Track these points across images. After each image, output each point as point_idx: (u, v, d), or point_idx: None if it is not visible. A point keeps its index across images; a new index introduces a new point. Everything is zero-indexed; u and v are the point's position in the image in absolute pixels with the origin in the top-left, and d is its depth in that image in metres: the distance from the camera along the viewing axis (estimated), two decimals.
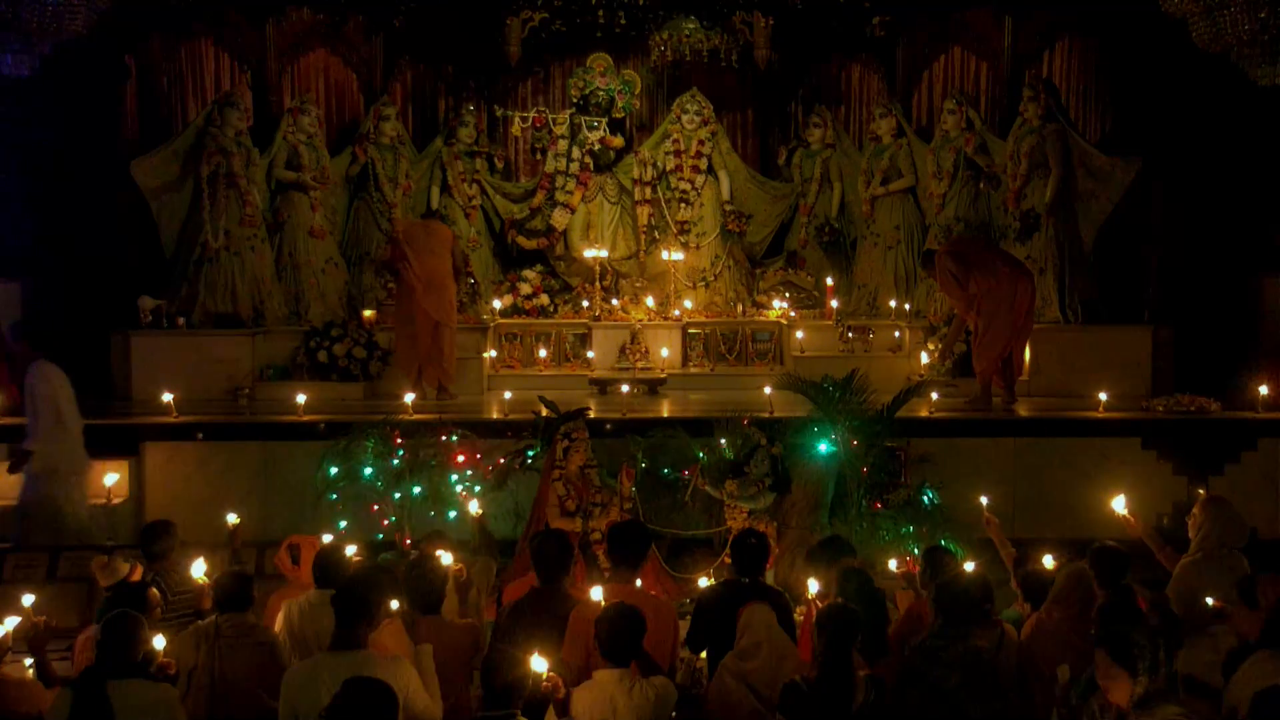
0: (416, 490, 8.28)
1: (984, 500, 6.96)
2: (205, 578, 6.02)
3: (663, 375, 10.86)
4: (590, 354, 11.38)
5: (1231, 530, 6.36)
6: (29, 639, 5.28)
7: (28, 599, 5.50)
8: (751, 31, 12.06)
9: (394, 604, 5.28)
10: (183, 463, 9.06)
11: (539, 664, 4.47)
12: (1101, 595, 5.57)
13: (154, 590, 5.67)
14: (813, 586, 5.81)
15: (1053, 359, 10.72)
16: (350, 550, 6.34)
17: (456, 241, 10.64)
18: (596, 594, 5.31)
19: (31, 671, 5.29)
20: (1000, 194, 11.69)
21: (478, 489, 8.21)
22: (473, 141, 12.38)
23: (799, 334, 11.32)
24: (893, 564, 6.88)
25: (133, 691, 4.65)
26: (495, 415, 9.65)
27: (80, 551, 7.53)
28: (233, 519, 6.86)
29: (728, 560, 7.61)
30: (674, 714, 5.44)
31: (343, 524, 7.99)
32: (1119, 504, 6.61)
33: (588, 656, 5.21)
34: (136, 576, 6.21)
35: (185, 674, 5.22)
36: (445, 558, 5.82)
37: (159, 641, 5.07)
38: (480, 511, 7.38)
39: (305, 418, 9.25)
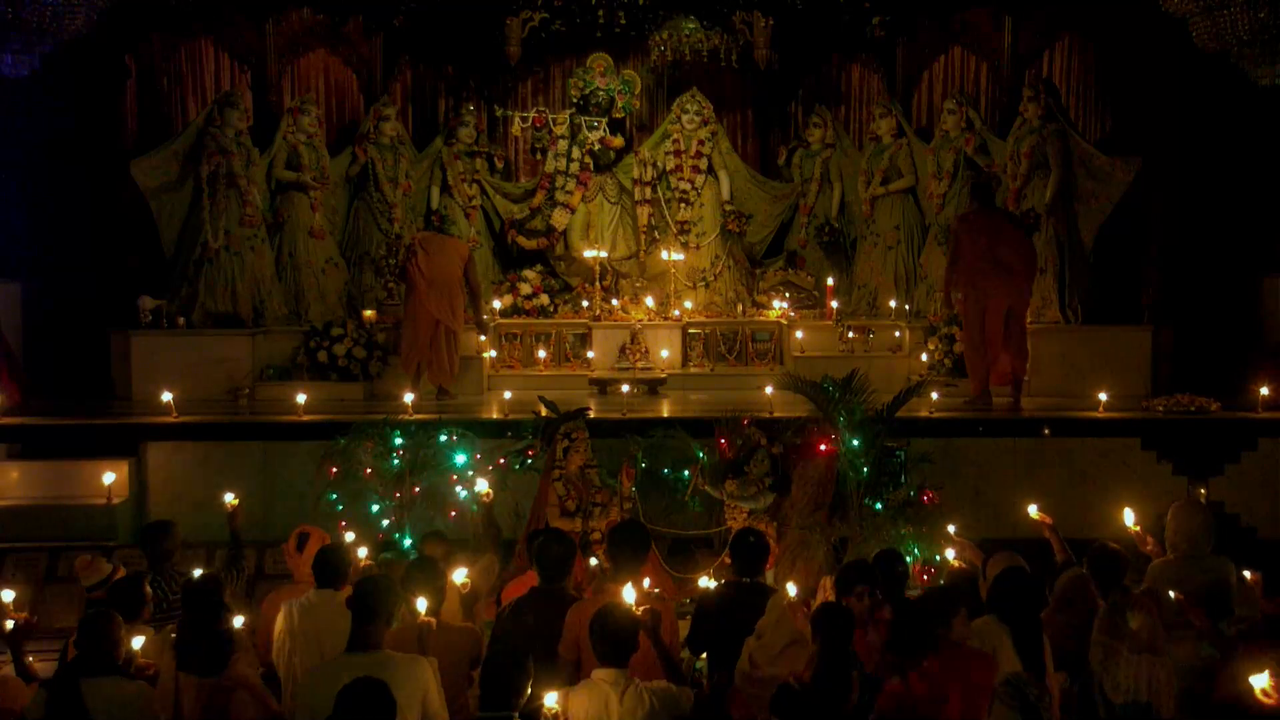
0: (416, 490, 8.27)
1: (1033, 509, 6.82)
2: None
3: (663, 375, 10.86)
4: (590, 354, 11.37)
5: (1201, 532, 6.33)
6: (8, 635, 5.28)
7: (7, 594, 5.50)
8: (751, 31, 12.06)
9: (421, 603, 5.27)
10: (183, 463, 9.06)
11: (550, 699, 4.46)
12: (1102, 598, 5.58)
13: (147, 585, 5.68)
14: (791, 590, 5.77)
15: (1053, 359, 10.71)
16: (362, 553, 6.35)
17: (473, 262, 10.60)
18: (629, 595, 5.24)
19: (10, 668, 5.30)
20: (1000, 194, 11.68)
21: (477, 489, 8.20)
22: (473, 141, 12.38)
23: (799, 334, 11.31)
24: (791, 586, 6.68)
25: (107, 690, 4.67)
26: (495, 415, 9.66)
27: (79, 552, 7.52)
28: (230, 498, 6.85)
29: (728, 560, 7.61)
30: None
31: (342, 526, 8.00)
32: (1129, 518, 6.57)
33: (579, 654, 5.22)
34: (119, 576, 6.21)
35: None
36: (459, 575, 5.78)
37: (137, 642, 5.07)
38: (489, 493, 7.28)
39: (305, 418, 9.25)
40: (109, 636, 4.82)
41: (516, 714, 4.38)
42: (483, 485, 7.27)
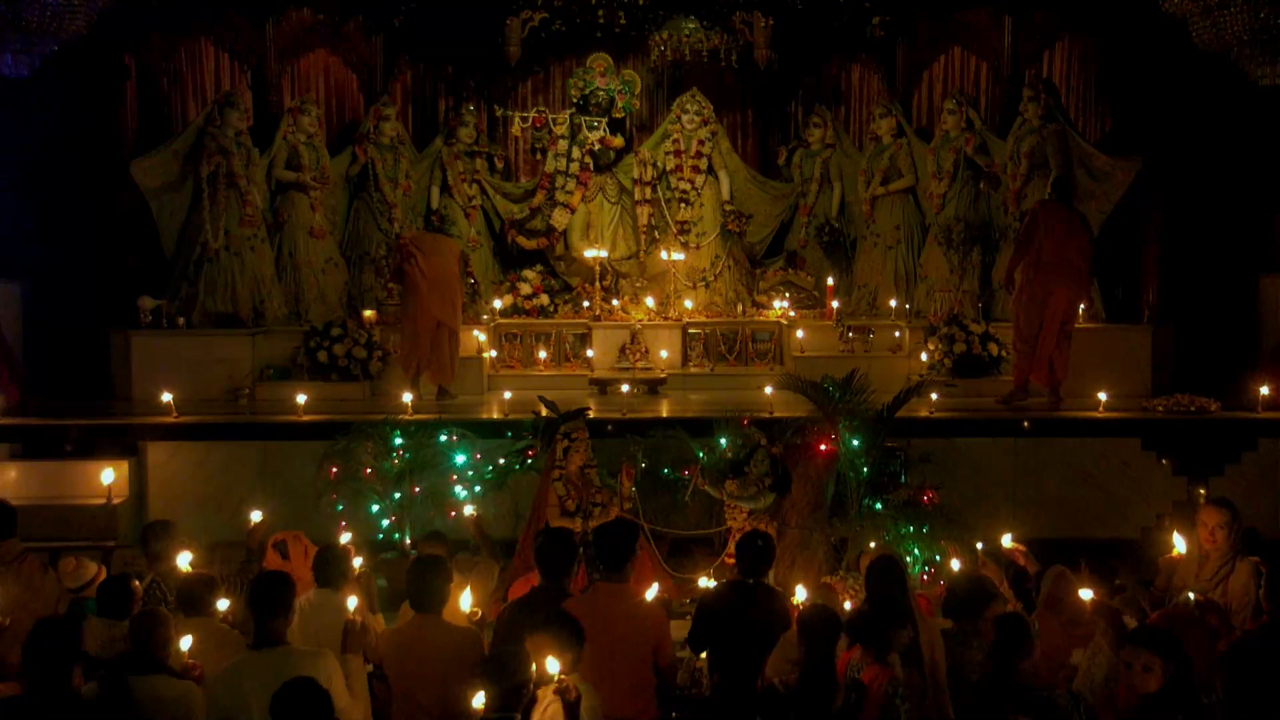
0: (416, 490, 8.28)
1: (1006, 538, 6.71)
2: (189, 568, 6.07)
3: (663, 375, 10.86)
4: (590, 354, 11.37)
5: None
6: None
7: None
8: (751, 31, 12.06)
9: (352, 601, 5.30)
10: (183, 463, 9.07)
11: (553, 665, 4.45)
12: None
13: (135, 583, 5.69)
14: (800, 594, 5.77)
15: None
16: (357, 562, 6.36)
17: (466, 257, 10.60)
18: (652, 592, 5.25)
19: None
20: (1000, 194, 11.70)
21: (477, 489, 8.21)
22: (473, 141, 12.37)
23: (799, 334, 11.31)
24: (800, 591, 6.44)
25: (155, 687, 4.71)
26: (495, 415, 9.66)
27: (79, 552, 7.52)
28: (256, 516, 6.85)
29: (728, 561, 7.62)
30: (675, 715, 5.45)
31: (342, 526, 8.01)
32: (1180, 543, 6.43)
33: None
34: (101, 578, 6.22)
35: None
36: (351, 602, 5.48)
37: (185, 642, 5.10)
38: (476, 513, 7.36)
39: (305, 418, 9.26)
40: (159, 635, 4.86)
41: (518, 714, 4.37)
42: (469, 510, 7.30)
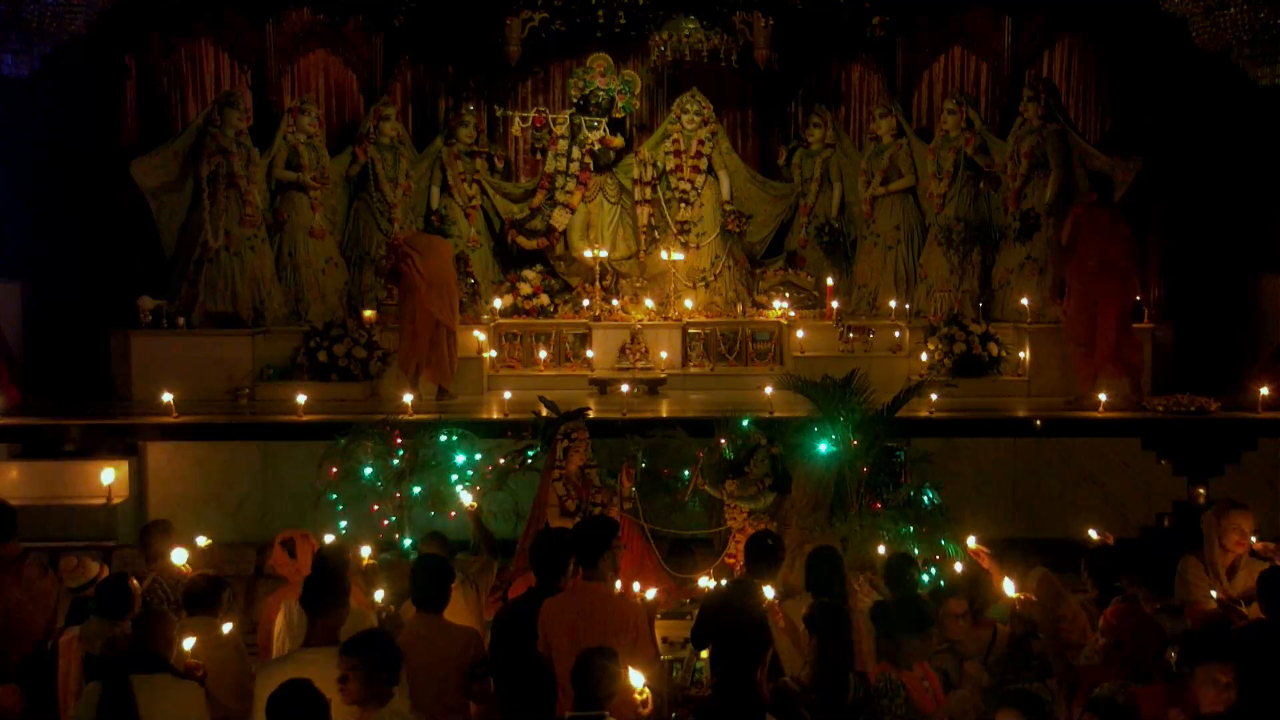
0: (416, 490, 8.28)
1: (971, 540, 6.67)
2: (188, 566, 6.06)
3: (663, 375, 10.86)
4: (590, 354, 11.37)
5: None
6: None
7: None
8: (751, 31, 12.06)
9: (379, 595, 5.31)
10: (183, 463, 9.08)
11: (636, 679, 4.46)
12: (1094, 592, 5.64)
13: (134, 581, 5.70)
14: (769, 592, 5.75)
15: (1053, 359, 10.70)
16: (365, 552, 6.37)
17: (465, 257, 10.61)
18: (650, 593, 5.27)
19: None
20: (1000, 194, 11.69)
21: (477, 488, 8.21)
22: (473, 141, 12.37)
23: (799, 334, 11.31)
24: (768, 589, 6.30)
25: (157, 686, 4.70)
26: (495, 415, 9.66)
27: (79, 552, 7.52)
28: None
29: (729, 561, 7.63)
30: (673, 715, 5.45)
31: (343, 524, 8.01)
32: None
33: (550, 650, 5.23)
34: (102, 578, 6.22)
35: None
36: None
37: (188, 643, 5.09)
38: (474, 504, 7.34)
39: (305, 418, 9.26)
40: (161, 634, 4.86)
41: (607, 712, 4.38)
42: (467, 499, 7.30)
